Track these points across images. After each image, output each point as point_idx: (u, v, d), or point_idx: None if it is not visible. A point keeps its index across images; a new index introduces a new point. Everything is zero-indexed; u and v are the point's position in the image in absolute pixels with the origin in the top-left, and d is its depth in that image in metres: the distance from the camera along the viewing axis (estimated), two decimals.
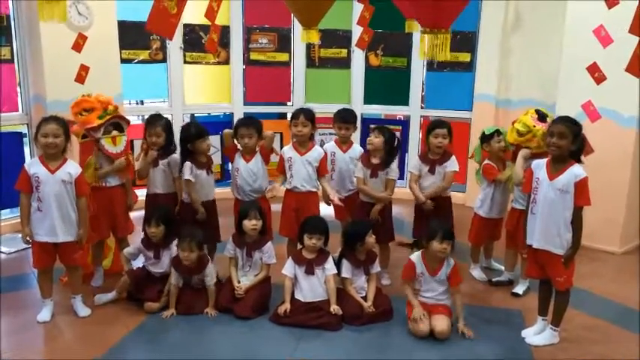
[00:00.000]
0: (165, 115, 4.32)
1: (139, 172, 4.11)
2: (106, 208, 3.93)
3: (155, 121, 4.09)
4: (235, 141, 4.13)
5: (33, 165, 3.44)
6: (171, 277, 3.75)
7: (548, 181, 3.22)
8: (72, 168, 3.47)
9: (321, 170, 4.13)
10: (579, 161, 3.25)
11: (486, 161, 4.18)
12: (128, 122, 4.01)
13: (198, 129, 4.08)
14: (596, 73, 4.16)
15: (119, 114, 3.90)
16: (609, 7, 3.82)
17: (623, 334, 3.59)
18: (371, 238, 3.75)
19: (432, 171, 4.12)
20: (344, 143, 4.35)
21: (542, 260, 3.32)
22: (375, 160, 4.07)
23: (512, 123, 3.91)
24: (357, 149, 4.35)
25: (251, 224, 3.76)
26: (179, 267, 3.72)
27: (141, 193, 4.34)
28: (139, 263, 3.95)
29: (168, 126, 4.13)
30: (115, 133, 3.87)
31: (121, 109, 3.99)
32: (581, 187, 3.15)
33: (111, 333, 3.43)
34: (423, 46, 3.30)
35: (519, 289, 4.06)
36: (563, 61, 5.06)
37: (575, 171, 3.17)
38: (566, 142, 3.16)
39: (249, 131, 4.04)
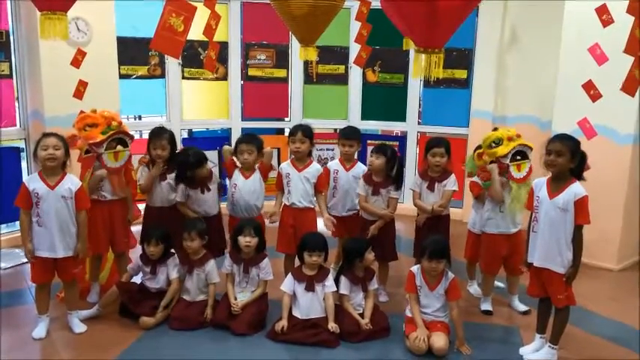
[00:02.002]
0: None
1: (143, 187, 4.09)
2: (105, 222, 3.91)
3: (161, 133, 4.10)
4: (234, 157, 4.14)
5: (32, 181, 3.43)
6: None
7: (548, 199, 3.23)
8: (72, 183, 3.47)
9: (318, 186, 4.14)
10: (581, 178, 3.25)
11: (473, 177, 4.18)
12: (132, 137, 3.99)
13: (196, 158, 4.04)
14: (591, 90, 4.19)
15: (123, 129, 3.88)
16: (604, 26, 3.85)
17: (621, 351, 3.58)
18: (370, 255, 3.74)
19: (431, 188, 4.12)
20: (348, 161, 4.34)
21: (542, 278, 3.32)
22: (377, 179, 4.09)
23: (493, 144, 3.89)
24: (360, 168, 4.32)
25: (245, 241, 3.76)
26: (182, 259, 3.85)
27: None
28: (138, 278, 3.95)
29: (173, 139, 4.15)
30: (119, 148, 3.84)
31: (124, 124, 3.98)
32: (580, 206, 3.15)
33: (106, 350, 3.41)
34: (417, 64, 3.32)
35: (487, 305, 4.08)
36: (559, 79, 5.10)
37: (575, 189, 3.17)
38: (564, 159, 3.16)
39: (250, 147, 4.05)
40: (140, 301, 3.76)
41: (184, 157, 4.07)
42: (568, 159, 3.17)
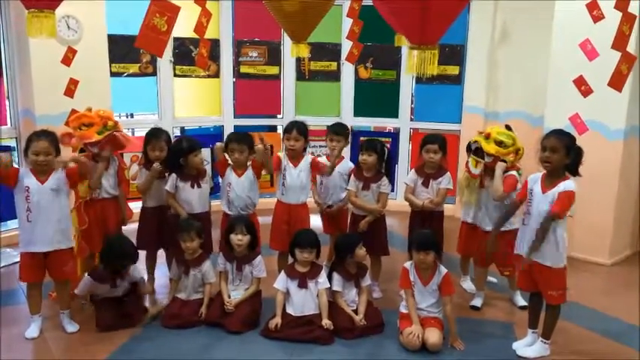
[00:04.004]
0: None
1: (141, 188, 4.07)
2: (99, 221, 3.90)
3: (159, 134, 4.08)
4: (226, 155, 4.13)
5: (25, 175, 3.41)
6: (170, 272, 3.92)
7: (541, 193, 3.23)
8: (59, 174, 3.46)
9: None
10: (576, 174, 3.22)
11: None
12: (127, 138, 3.99)
13: (189, 143, 4.06)
14: (582, 86, 4.21)
15: (119, 129, 3.87)
16: (595, 22, 3.86)
17: (614, 345, 3.60)
18: (361, 251, 3.75)
19: (425, 184, 4.11)
20: (336, 157, 4.35)
21: (533, 273, 3.32)
22: (367, 174, 4.09)
23: (480, 132, 3.92)
24: (347, 164, 4.34)
25: (237, 239, 3.75)
26: (179, 259, 3.82)
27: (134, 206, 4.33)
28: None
29: (170, 140, 4.14)
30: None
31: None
32: (561, 197, 3.12)
33: (99, 349, 3.40)
34: (410, 61, 3.32)
35: (477, 301, 4.08)
36: (550, 74, 5.12)
37: (566, 185, 3.16)
38: (559, 155, 3.15)
39: (241, 146, 4.03)
40: (117, 322, 3.66)
41: (178, 144, 4.07)
42: (563, 155, 3.15)
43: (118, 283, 3.70)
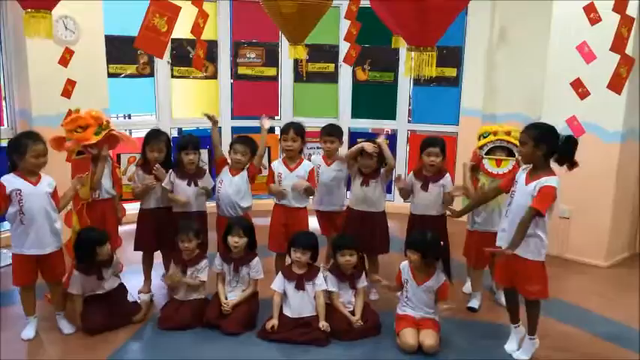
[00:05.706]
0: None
1: (137, 193, 4.07)
2: (99, 222, 3.88)
3: (158, 136, 4.08)
4: (226, 154, 4.12)
5: (11, 181, 3.38)
6: (169, 272, 3.92)
7: (524, 185, 3.22)
8: (50, 180, 3.48)
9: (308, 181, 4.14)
10: (565, 163, 3.18)
11: None
12: (123, 134, 3.99)
13: (183, 141, 4.10)
14: (579, 88, 4.20)
15: (113, 128, 3.87)
16: (592, 24, 3.87)
17: (612, 348, 3.60)
18: (343, 258, 3.72)
19: (425, 188, 4.04)
20: (330, 158, 4.35)
21: (511, 267, 3.28)
22: (365, 170, 4.08)
23: (483, 137, 3.92)
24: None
25: (233, 241, 3.75)
26: (177, 259, 3.84)
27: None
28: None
29: (169, 142, 4.14)
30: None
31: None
32: (541, 193, 3.10)
33: (96, 350, 3.40)
34: (408, 63, 3.32)
35: (474, 303, 4.08)
36: (547, 77, 5.13)
37: (547, 179, 3.13)
38: (527, 147, 3.17)
39: (245, 149, 4.05)
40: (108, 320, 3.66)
41: (178, 140, 4.08)
42: (531, 147, 3.15)
43: (104, 274, 3.68)
